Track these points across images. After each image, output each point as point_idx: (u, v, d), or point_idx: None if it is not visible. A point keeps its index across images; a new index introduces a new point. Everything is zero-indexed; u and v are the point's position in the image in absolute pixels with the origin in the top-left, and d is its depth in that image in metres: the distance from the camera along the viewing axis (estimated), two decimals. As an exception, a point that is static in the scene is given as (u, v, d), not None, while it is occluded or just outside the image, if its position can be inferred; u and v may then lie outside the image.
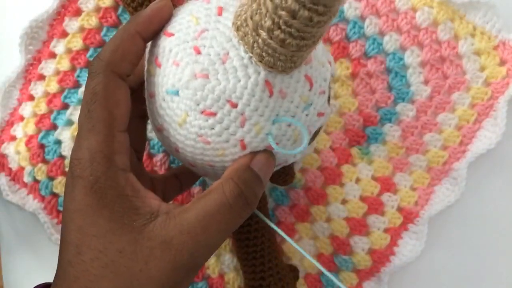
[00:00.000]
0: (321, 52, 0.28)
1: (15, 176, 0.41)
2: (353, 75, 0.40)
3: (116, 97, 0.27)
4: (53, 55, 0.40)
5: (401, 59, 0.40)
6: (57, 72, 0.40)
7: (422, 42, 0.40)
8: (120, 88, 0.27)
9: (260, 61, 0.25)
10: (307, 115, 0.27)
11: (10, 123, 0.41)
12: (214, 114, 0.26)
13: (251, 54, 0.25)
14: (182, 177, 0.35)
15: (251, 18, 0.23)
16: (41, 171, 0.41)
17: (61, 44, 0.40)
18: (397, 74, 0.40)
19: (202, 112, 0.26)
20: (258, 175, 0.27)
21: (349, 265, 0.40)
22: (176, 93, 0.26)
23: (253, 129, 0.26)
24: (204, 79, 0.25)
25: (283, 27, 0.22)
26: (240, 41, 0.25)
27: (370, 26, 0.40)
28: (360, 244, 0.39)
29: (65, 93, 0.40)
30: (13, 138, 0.41)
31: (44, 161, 0.41)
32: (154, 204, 0.26)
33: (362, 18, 0.40)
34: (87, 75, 0.28)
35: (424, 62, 0.40)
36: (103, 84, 0.26)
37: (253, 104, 0.26)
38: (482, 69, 0.40)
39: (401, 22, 0.40)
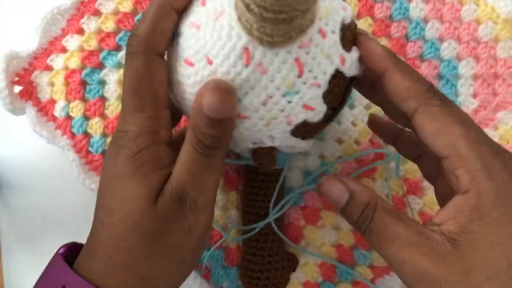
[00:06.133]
0: (330, 43, 0.26)
1: (43, 108, 0.40)
2: (406, 75, 0.40)
3: (159, 77, 0.28)
4: (115, -7, 0.39)
5: (455, 68, 0.40)
6: (116, 12, 0.39)
7: (479, 55, 0.40)
8: (162, 67, 0.28)
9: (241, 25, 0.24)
10: (289, 101, 0.26)
11: (47, 52, 0.39)
12: (192, 65, 0.26)
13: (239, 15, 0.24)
14: None
15: None
16: (77, 109, 0.40)
17: (125, -16, 0.39)
18: (448, 82, 0.40)
19: (184, 60, 0.26)
20: (208, 117, 0.26)
21: (366, 260, 0.40)
22: (179, 36, 0.27)
23: None
24: (195, 29, 0.26)
25: None
26: None
27: (431, 30, 0.40)
28: (382, 240, 0.40)
29: (121, 35, 0.39)
30: (49, 68, 0.40)
31: (83, 98, 0.40)
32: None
33: (425, 20, 0.40)
34: None
35: (477, 75, 0.40)
36: (146, 66, 0.27)
37: (225, 67, 0.25)
38: (532, 93, 0.40)
39: (463, 32, 0.40)
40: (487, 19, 0.40)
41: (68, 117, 0.40)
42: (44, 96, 0.40)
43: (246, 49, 0.24)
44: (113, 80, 0.40)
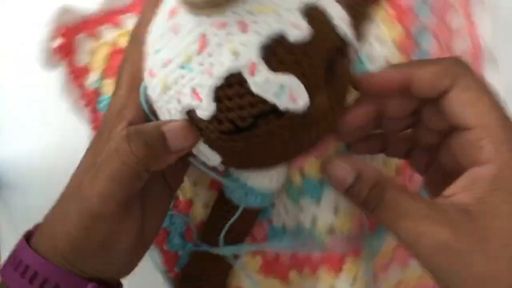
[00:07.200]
0: (245, 40, 0.24)
1: (75, 71, 0.37)
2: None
3: (140, 63, 0.29)
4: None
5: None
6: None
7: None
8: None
9: None
10: (182, 76, 0.25)
11: (102, 20, 0.37)
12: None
13: None
14: None
15: None
16: (109, 88, 0.36)
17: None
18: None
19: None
20: (161, 133, 0.27)
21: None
22: None
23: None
24: None
25: None
26: None
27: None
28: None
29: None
30: (94, 35, 0.37)
31: (119, 79, 0.38)
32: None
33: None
34: None
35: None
36: (130, 51, 0.31)
37: (158, 16, 0.27)
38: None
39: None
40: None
41: (97, 92, 0.37)
42: (81, 61, 0.37)
43: (175, 7, 0.25)
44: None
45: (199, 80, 0.24)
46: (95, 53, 0.37)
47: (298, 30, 0.24)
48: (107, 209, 0.28)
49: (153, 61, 0.26)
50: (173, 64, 0.25)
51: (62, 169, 0.35)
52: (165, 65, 0.25)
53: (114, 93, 0.30)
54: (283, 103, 0.24)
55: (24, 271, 0.29)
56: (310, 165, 0.34)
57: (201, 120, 0.25)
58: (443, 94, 0.28)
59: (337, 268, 0.37)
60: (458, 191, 0.27)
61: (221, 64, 0.24)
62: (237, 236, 0.35)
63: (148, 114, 0.29)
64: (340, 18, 0.26)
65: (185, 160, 0.30)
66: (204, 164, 0.30)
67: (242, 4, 0.23)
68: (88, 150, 0.30)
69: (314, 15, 0.25)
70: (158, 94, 0.26)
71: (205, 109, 0.24)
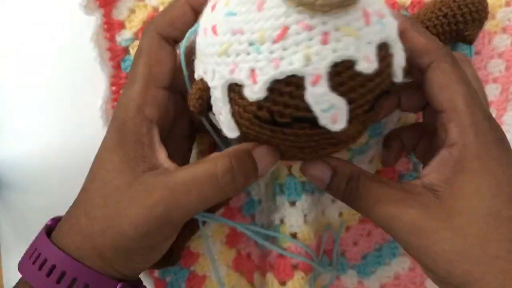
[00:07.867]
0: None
1: (109, 23, 0.35)
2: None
3: (158, 56, 0.30)
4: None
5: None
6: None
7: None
8: (163, 49, 0.30)
9: None
10: (247, 53, 0.24)
11: None
12: None
13: None
14: None
15: None
16: (137, 50, 0.35)
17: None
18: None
19: None
20: (254, 161, 0.28)
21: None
22: None
23: None
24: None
25: None
26: None
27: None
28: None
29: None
30: None
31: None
32: (161, 158, 0.29)
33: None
34: None
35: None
36: (148, 43, 0.30)
37: None
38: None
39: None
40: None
41: (125, 50, 0.36)
42: (118, 15, 0.35)
43: None
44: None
45: (263, 65, 0.24)
46: (135, 12, 0.36)
47: (368, 63, 0.25)
48: (183, 219, 0.28)
49: (223, 20, 0.25)
50: (243, 36, 0.24)
51: (62, 169, 0.36)
52: (234, 32, 0.25)
53: (128, 87, 0.30)
54: (324, 120, 0.25)
55: (50, 271, 0.28)
56: (298, 163, 0.35)
57: (242, 97, 0.25)
58: (423, 70, 0.29)
59: (283, 280, 0.37)
60: (430, 172, 0.29)
61: (290, 63, 0.24)
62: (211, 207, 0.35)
63: (182, 58, 0.29)
64: (400, 64, 0.27)
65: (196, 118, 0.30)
66: (213, 127, 0.31)
67: (334, 19, 0.24)
68: (108, 144, 0.29)
69: (384, 55, 0.26)
70: (212, 53, 0.26)
71: (255, 92, 0.25)
